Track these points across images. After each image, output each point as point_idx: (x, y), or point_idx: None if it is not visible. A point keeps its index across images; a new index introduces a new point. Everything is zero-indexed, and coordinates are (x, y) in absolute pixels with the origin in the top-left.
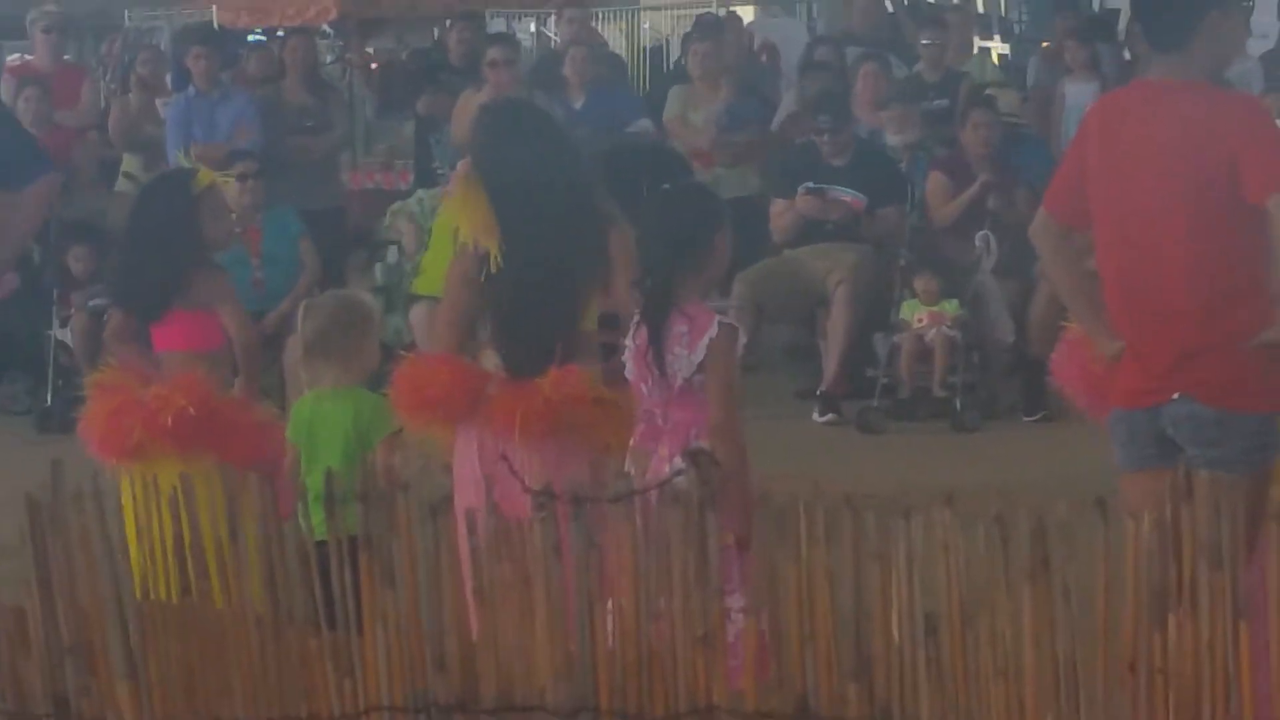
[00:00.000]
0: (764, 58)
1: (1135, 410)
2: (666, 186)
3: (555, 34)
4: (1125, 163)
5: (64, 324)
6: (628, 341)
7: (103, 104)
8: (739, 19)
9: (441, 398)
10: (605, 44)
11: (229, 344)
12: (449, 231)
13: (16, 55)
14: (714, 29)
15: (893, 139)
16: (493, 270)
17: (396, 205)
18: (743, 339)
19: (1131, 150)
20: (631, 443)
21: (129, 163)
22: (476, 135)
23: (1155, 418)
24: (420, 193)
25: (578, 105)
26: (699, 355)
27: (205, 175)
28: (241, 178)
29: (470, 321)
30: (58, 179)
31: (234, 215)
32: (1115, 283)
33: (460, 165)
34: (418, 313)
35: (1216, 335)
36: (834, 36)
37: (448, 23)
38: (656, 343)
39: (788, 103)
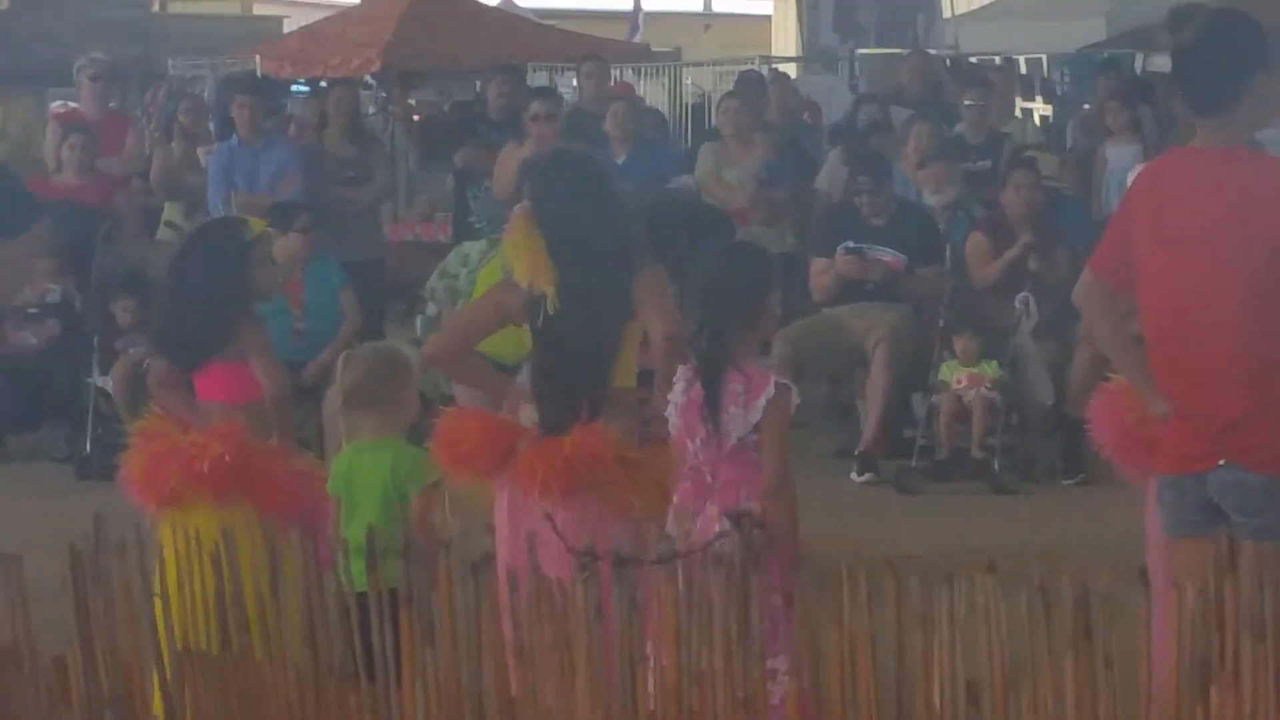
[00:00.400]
0: (806, 115)
1: (1182, 476)
2: (718, 245)
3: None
4: (1173, 230)
5: (104, 371)
6: (672, 397)
7: (147, 152)
8: (786, 77)
9: (475, 452)
10: (642, 98)
11: None
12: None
13: (61, 102)
14: (747, 86)
15: (931, 198)
16: (549, 312)
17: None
18: (796, 400)
19: (1180, 218)
20: (676, 500)
21: (171, 211)
22: (535, 185)
23: (1202, 484)
24: (466, 245)
25: (620, 160)
26: (755, 415)
27: (257, 224)
28: (303, 230)
29: (478, 342)
30: (47, 226)
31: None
32: (1162, 348)
33: (519, 209)
34: None
35: (1264, 402)
36: (879, 96)
37: (490, 76)
38: (713, 400)
39: (833, 162)
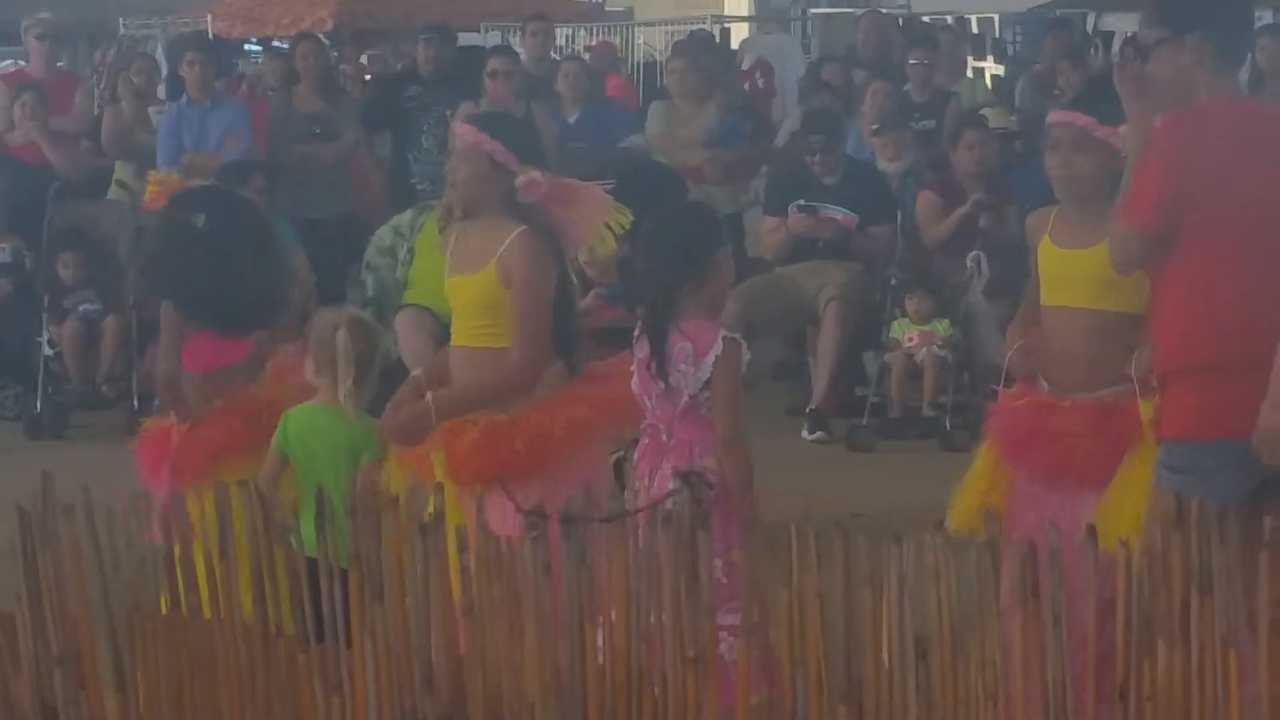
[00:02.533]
0: (759, 75)
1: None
2: (671, 204)
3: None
4: (1259, 189)
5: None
6: (636, 353)
7: (96, 111)
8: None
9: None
10: (623, 59)
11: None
12: (433, 244)
13: (10, 61)
14: (690, 47)
15: (884, 165)
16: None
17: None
18: (746, 355)
19: (1261, 177)
20: (635, 457)
21: (121, 170)
22: None
23: None
24: (394, 219)
25: (571, 120)
26: (705, 373)
27: None
28: (258, 191)
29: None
30: None
31: None
32: (1247, 305)
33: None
34: (403, 319)
35: None
36: (838, 56)
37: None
38: (659, 357)
39: (791, 122)
